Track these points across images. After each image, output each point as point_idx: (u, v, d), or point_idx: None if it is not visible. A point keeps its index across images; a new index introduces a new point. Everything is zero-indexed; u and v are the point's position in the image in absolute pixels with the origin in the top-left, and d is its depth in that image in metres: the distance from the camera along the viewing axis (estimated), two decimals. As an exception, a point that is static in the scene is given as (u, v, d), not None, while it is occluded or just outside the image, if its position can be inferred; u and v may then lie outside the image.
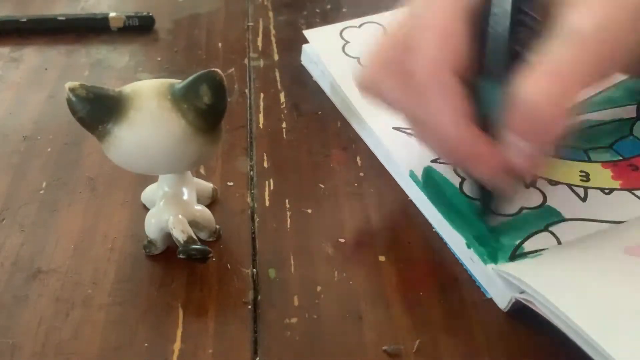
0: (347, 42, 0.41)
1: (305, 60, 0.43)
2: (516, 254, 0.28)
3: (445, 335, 0.27)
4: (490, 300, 0.28)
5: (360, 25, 0.43)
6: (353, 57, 0.40)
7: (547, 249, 0.28)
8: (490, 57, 0.26)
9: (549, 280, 0.25)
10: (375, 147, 0.36)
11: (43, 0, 0.52)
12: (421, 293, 0.28)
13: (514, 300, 0.27)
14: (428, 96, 0.26)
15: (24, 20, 0.47)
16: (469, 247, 0.29)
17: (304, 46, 0.43)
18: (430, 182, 0.32)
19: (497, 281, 0.27)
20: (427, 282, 0.29)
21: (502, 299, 0.27)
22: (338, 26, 0.43)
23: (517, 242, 0.29)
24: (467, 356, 0.26)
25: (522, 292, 0.26)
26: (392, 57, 0.28)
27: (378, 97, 0.29)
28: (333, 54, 0.40)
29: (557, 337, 0.24)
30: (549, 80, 0.24)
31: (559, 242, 0.29)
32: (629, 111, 0.36)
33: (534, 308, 0.25)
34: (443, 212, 0.30)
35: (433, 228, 0.31)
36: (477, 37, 0.26)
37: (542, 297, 0.24)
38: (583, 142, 0.34)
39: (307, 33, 0.42)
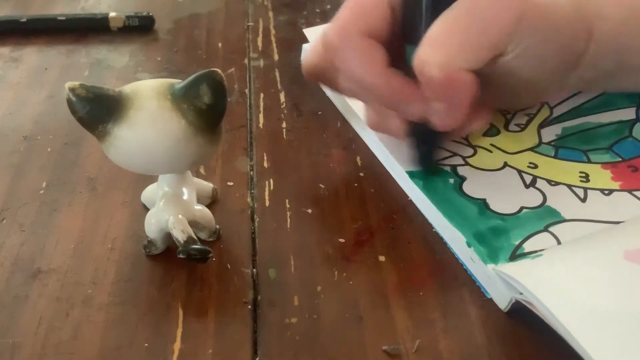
0: None
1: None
2: (516, 254, 0.28)
3: (445, 335, 0.27)
4: (490, 300, 0.28)
5: None
6: None
7: (546, 249, 0.28)
8: (413, 26, 0.30)
9: (546, 283, 0.25)
10: (375, 147, 0.36)
11: (43, 0, 0.52)
12: (421, 293, 0.28)
13: (514, 301, 0.27)
14: (345, 54, 0.30)
15: (24, 20, 0.47)
16: (469, 246, 0.29)
17: (304, 45, 0.43)
18: (429, 181, 0.32)
19: (497, 281, 0.27)
20: (427, 282, 0.29)
21: (502, 299, 0.27)
22: None
23: (517, 242, 0.29)
24: (467, 356, 0.26)
25: (522, 292, 0.26)
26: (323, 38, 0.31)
27: (320, 80, 0.34)
28: None
29: (557, 337, 0.24)
30: (426, 49, 0.28)
31: (559, 243, 0.29)
32: (628, 113, 0.36)
33: (533, 309, 0.25)
34: (443, 211, 0.30)
35: (433, 228, 0.31)
36: (405, 10, 0.30)
37: (538, 301, 0.24)
38: (581, 143, 0.34)
39: (307, 32, 0.42)
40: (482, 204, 0.31)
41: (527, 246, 0.29)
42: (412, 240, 0.31)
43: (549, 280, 0.26)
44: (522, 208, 0.30)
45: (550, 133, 0.35)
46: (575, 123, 0.36)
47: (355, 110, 0.37)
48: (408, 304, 0.28)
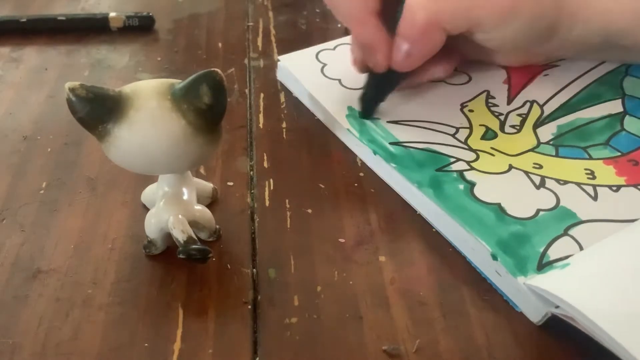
0: (324, 64, 0.41)
1: (282, 76, 0.42)
2: (543, 263, 0.27)
3: (445, 335, 0.27)
4: (489, 300, 0.28)
5: (335, 47, 0.43)
6: (334, 79, 0.39)
7: (572, 255, 0.27)
8: None
9: (586, 295, 0.25)
10: (373, 163, 0.35)
11: (43, 0, 0.52)
12: (421, 293, 0.28)
13: (549, 315, 0.26)
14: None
15: (24, 20, 0.47)
16: (494, 258, 0.28)
17: (280, 63, 0.41)
18: (439, 189, 0.31)
19: (529, 295, 0.26)
20: (427, 282, 0.29)
21: (536, 313, 0.26)
22: (313, 49, 0.42)
23: (542, 248, 0.28)
24: (467, 356, 0.26)
25: (558, 306, 0.25)
26: None
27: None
28: (312, 76, 0.40)
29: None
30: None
31: (581, 248, 0.28)
32: (616, 105, 0.37)
33: (574, 324, 0.25)
34: (460, 219, 0.29)
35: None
36: None
37: (583, 316, 0.24)
38: (579, 140, 0.34)
39: (282, 58, 0.41)
40: (498, 209, 0.30)
41: (552, 253, 0.28)
42: (412, 240, 0.31)
43: (587, 291, 0.25)
44: (538, 211, 0.30)
45: (546, 132, 0.35)
46: (568, 120, 0.36)
47: (342, 126, 0.36)
48: (408, 304, 0.28)
